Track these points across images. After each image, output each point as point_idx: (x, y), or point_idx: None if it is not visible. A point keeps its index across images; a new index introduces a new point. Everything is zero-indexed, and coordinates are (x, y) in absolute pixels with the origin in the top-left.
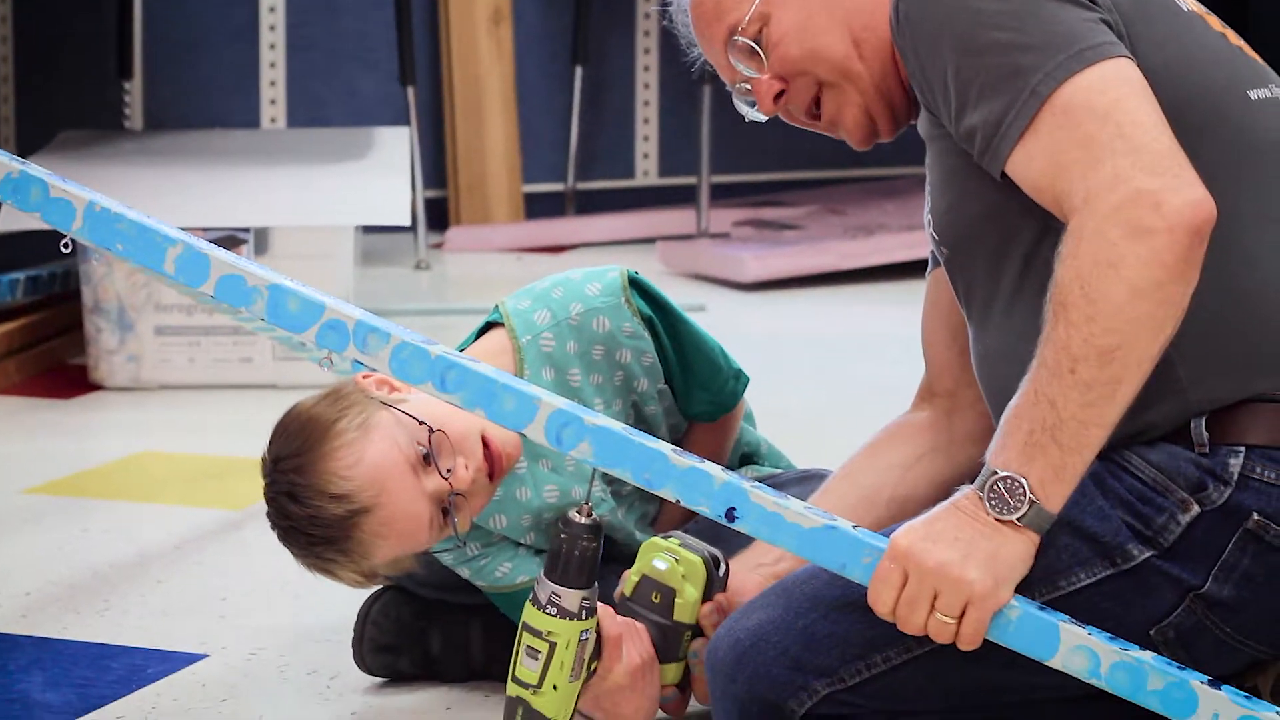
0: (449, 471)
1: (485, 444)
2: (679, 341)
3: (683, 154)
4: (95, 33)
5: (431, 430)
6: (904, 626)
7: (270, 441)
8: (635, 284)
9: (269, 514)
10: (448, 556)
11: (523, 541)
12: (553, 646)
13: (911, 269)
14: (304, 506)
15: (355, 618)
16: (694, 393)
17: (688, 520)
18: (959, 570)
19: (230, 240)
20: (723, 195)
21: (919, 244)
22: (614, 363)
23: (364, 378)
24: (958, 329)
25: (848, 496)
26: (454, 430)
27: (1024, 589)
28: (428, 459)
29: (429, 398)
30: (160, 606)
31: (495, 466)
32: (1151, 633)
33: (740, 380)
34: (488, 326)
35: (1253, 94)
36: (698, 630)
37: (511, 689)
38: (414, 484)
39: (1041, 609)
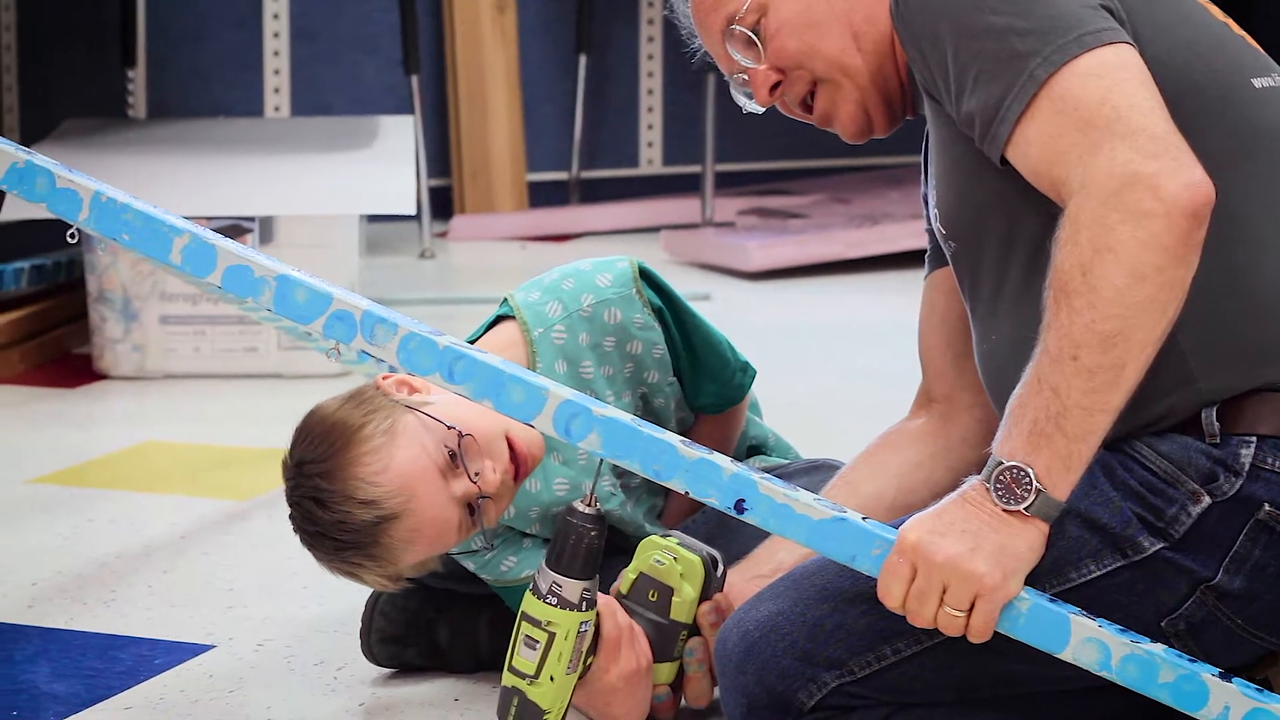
0: (477, 474)
1: (510, 445)
2: (687, 333)
3: (687, 142)
4: (99, 21)
5: (461, 434)
6: (913, 619)
7: (293, 445)
8: (644, 275)
9: (293, 518)
10: (454, 548)
11: (528, 531)
12: (551, 637)
13: (916, 258)
14: (331, 512)
15: (363, 608)
16: (702, 384)
17: (694, 512)
18: (968, 563)
19: (235, 229)
20: (727, 184)
21: (924, 233)
22: (625, 354)
23: (384, 379)
24: (954, 334)
25: (848, 505)
26: (480, 432)
27: (1034, 581)
28: (455, 462)
29: (450, 399)
30: (167, 597)
31: (521, 467)
32: (1162, 624)
33: (747, 373)
34: (497, 320)
35: (1257, 82)
36: (694, 630)
37: (507, 679)
38: (442, 488)
39: (1052, 601)
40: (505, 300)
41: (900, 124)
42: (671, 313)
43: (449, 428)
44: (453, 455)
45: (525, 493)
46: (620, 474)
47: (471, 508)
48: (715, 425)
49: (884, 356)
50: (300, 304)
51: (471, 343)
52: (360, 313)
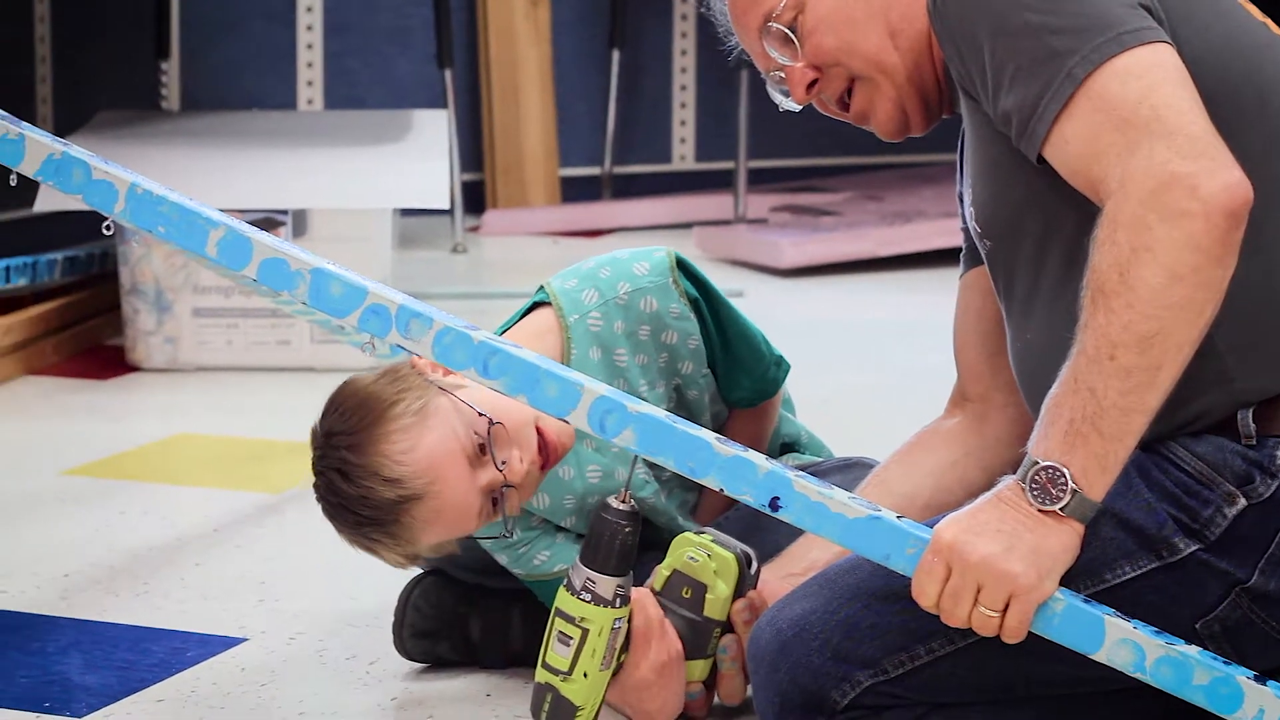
0: (504, 464)
1: (540, 434)
2: (722, 325)
3: (720, 139)
4: (133, 13)
5: (492, 422)
6: (948, 619)
7: (323, 415)
8: (681, 266)
9: (316, 487)
10: (487, 540)
11: (563, 525)
12: (585, 633)
13: (949, 256)
14: (355, 486)
15: (395, 602)
16: (736, 377)
17: (727, 509)
18: (1003, 563)
19: (268, 222)
20: (760, 180)
21: (956, 231)
22: (660, 344)
23: (419, 358)
24: (989, 334)
25: (881, 503)
26: (510, 420)
27: (1068, 581)
28: (484, 450)
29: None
30: (199, 589)
31: (549, 457)
32: (1197, 626)
33: (781, 367)
34: (534, 306)
35: None
36: (727, 627)
37: (541, 675)
38: (467, 474)
39: (1086, 602)
40: (542, 287)
41: (937, 122)
42: (707, 304)
43: (480, 414)
44: (481, 443)
45: (559, 481)
46: (653, 465)
47: (495, 495)
48: (749, 420)
49: (916, 354)
50: (335, 298)
51: (507, 328)
52: (395, 307)
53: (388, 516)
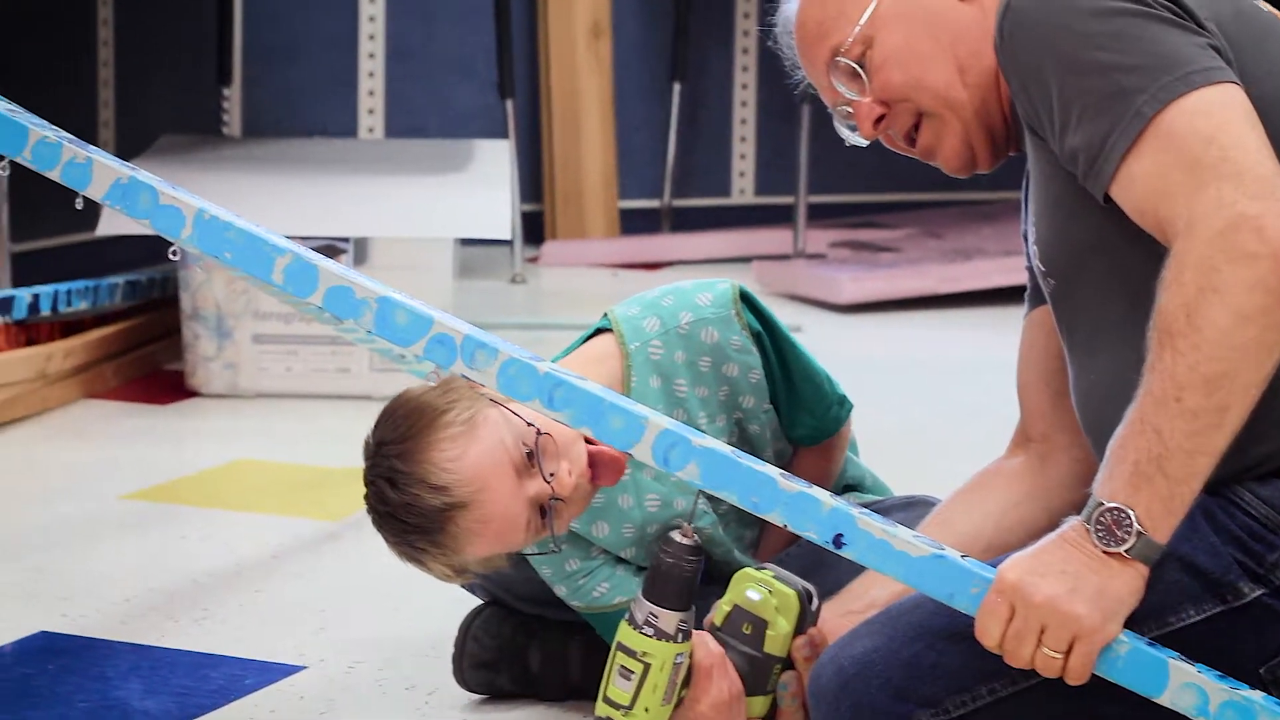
0: (552, 475)
1: (589, 450)
2: (785, 361)
3: (780, 173)
4: (195, 39)
5: (539, 432)
6: (1011, 660)
7: (376, 425)
8: (745, 299)
9: (366, 497)
10: (546, 571)
11: (622, 556)
12: (647, 668)
13: (1009, 294)
14: (402, 493)
15: (454, 633)
16: (797, 415)
17: (789, 546)
18: (1066, 605)
19: (330, 250)
20: (819, 215)
21: (1016, 269)
22: (720, 376)
23: None
24: (1052, 374)
25: (944, 542)
26: (560, 434)
27: (1132, 624)
28: (532, 460)
29: None
30: (258, 616)
31: (609, 471)
32: (1261, 671)
33: (844, 407)
34: (596, 333)
35: None
36: (788, 663)
37: (601, 709)
38: (514, 484)
39: (1150, 645)
40: (605, 314)
41: (1004, 159)
42: (771, 339)
43: (529, 425)
44: (530, 454)
45: (617, 509)
46: (710, 497)
47: (543, 509)
48: (815, 458)
49: (975, 393)
50: (401, 326)
51: (568, 353)
52: (461, 337)
53: (433, 525)
